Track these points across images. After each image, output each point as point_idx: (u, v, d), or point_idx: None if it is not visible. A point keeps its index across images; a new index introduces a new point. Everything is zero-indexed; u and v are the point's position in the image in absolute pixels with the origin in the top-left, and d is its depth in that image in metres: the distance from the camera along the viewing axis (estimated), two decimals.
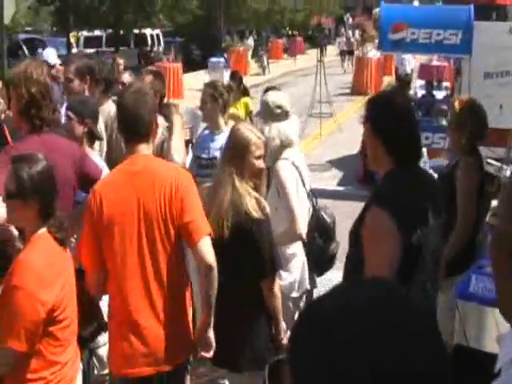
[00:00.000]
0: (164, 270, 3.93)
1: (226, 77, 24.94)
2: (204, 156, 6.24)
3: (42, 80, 4.52)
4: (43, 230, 3.60)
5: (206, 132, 6.52)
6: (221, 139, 6.16)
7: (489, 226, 5.75)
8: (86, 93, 6.39)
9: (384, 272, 3.33)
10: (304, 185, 5.38)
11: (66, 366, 3.67)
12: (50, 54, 10.28)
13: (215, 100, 6.32)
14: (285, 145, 5.36)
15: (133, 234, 3.90)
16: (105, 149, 6.32)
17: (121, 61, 7.80)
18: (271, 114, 5.43)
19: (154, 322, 3.95)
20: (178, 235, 3.94)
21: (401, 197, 3.50)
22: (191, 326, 4.23)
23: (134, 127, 4.05)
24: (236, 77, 11.48)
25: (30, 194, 3.52)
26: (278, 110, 5.44)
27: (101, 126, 6.26)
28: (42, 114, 4.51)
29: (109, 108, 6.52)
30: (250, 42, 38.35)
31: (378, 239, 3.39)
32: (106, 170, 5.30)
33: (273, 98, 5.58)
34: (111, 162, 6.33)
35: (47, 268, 3.52)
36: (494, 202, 6.89)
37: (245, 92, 11.42)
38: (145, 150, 4.07)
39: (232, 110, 10.52)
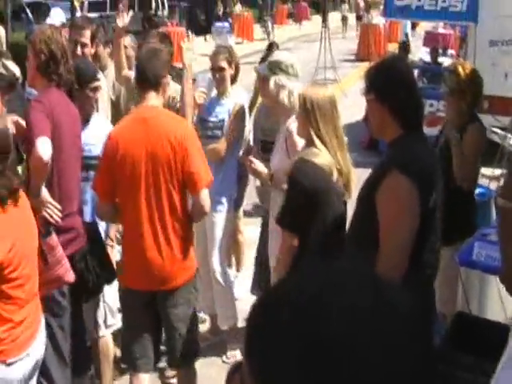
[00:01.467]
0: (167, 206, 4.59)
1: (230, 42, 24.87)
2: (211, 118, 6.26)
3: (61, 41, 4.76)
4: None
5: (214, 95, 6.53)
6: (228, 103, 6.27)
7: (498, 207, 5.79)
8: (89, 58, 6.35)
9: (404, 236, 3.41)
10: None
11: (21, 325, 3.69)
12: (57, 15, 10.28)
13: (229, 64, 6.30)
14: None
15: (141, 174, 4.53)
16: (109, 112, 6.36)
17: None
18: (286, 73, 5.38)
19: (159, 248, 4.63)
20: (181, 181, 4.58)
21: (417, 162, 3.57)
22: (192, 252, 4.89)
23: (145, 76, 4.69)
24: (273, 47, 10.71)
25: None
26: (291, 70, 5.39)
27: (108, 89, 6.31)
28: (60, 71, 4.71)
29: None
30: (238, 7, 37.19)
31: (400, 203, 3.47)
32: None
33: (287, 56, 5.53)
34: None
35: None
36: (497, 171, 6.91)
37: None
38: (154, 99, 4.71)
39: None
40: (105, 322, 5.49)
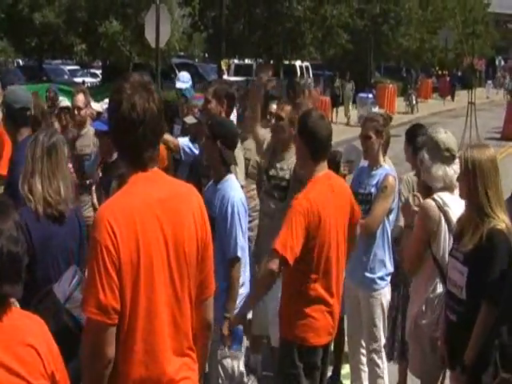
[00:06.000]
0: (344, 245, 4.99)
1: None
2: (361, 191, 5.99)
3: None
4: None
5: (365, 165, 6.25)
6: (378, 175, 5.97)
7: None
8: (222, 115, 6.62)
9: None
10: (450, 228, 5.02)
11: None
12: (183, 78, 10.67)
13: (379, 134, 5.99)
14: (446, 188, 5.06)
15: (332, 228, 4.83)
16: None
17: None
18: (440, 155, 5.11)
19: (338, 294, 4.97)
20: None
21: None
22: None
23: (327, 147, 4.97)
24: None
25: None
26: (447, 153, 5.11)
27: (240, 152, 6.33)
28: None
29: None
30: (350, 86, 36.08)
31: None
32: (242, 195, 5.48)
33: (444, 139, 5.20)
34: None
35: None
36: None
37: None
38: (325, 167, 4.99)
39: None
40: None
